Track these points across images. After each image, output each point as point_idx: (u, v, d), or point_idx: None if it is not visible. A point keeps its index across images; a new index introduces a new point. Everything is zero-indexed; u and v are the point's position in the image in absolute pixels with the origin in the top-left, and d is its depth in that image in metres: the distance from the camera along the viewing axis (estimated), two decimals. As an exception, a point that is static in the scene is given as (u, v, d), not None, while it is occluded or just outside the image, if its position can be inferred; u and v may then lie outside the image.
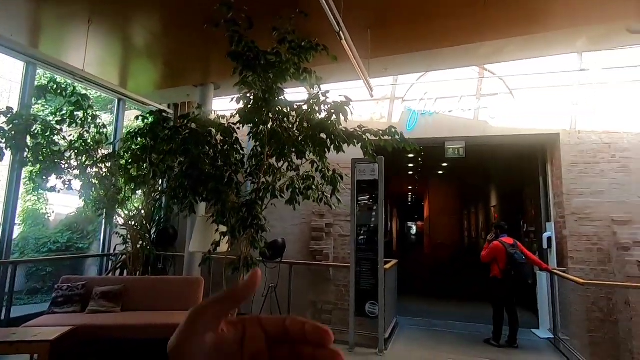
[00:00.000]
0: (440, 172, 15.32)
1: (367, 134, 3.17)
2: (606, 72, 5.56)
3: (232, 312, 0.35)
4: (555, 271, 5.16)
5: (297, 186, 3.88)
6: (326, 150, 3.25)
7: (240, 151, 3.41)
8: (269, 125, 3.30)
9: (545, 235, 5.80)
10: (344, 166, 5.92)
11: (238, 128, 3.36)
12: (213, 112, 5.27)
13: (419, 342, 5.00)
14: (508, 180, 9.24)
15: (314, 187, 3.82)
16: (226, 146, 3.30)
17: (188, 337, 0.33)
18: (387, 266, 5.08)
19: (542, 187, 6.17)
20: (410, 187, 21.27)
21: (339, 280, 6.11)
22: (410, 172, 15.61)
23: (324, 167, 3.54)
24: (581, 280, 4.44)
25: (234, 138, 3.28)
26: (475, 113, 6.04)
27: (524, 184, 7.66)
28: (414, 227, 31.02)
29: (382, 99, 6.50)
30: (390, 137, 3.15)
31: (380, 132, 3.19)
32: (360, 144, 3.19)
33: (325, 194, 3.82)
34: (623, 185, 5.34)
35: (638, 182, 5.29)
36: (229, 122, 3.40)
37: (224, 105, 3.66)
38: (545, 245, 5.78)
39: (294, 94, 3.71)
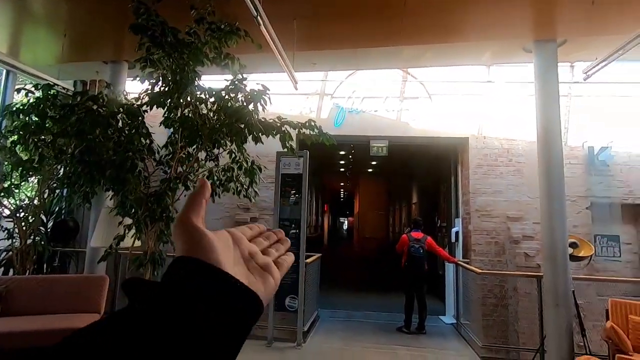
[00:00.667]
0: (370, 170, 16.03)
1: (286, 126, 3.11)
2: (508, 86, 6.25)
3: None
4: (459, 263, 5.68)
5: (216, 178, 3.70)
6: (244, 140, 3.13)
7: (149, 137, 3.12)
8: (182, 111, 3.08)
9: (454, 230, 6.36)
10: (270, 159, 5.84)
11: (145, 111, 3.07)
12: (125, 93, 4.79)
13: (337, 333, 5.14)
14: (427, 180, 9.97)
15: (235, 179, 3.68)
16: (133, 130, 3.00)
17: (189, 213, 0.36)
18: (309, 260, 5.12)
19: (453, 186, 6.75)
20: (342, 184, 21.95)
21: (262, 275, 6.00)
22: (342, 169, 16.08)
23: (243, 158, 3.41)
24: (478, 270, 4.95)
25: (139, 121, 2.98)
26: (398, 114, 6.36)
27: (439, 183, 8.33)
28: (346, 223, 32.17)
29: (312, 94, 6.52)
30: (309, 131, 3.13)
31: (300, 124, 3.16)
32: (279, 135, 3.12)
33: (244, 186, 3.69)
34: (517, 186, 6.07)
35: (529, 184, 6.04)
36: (137, 105, 3.09)
37: (142, 88, 3.34)
38: (453, 239, 6.34)
39: (219, 81, 3.49)
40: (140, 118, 2.98)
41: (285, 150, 3.18)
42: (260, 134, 3.03)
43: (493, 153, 6.17)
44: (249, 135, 3.12)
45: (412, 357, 4.32)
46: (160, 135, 3.64)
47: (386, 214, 18.44)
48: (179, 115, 3.12)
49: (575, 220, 5.94)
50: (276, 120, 3.11)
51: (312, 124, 3.17)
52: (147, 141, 3.11)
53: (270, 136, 3.18)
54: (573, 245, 4.03)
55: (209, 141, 3.21)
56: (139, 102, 3.10)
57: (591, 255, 4.09)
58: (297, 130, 3.14)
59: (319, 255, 5.91)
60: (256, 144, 3.17)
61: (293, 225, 4.76)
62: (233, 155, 3.32)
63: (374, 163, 14.21)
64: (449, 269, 6.28)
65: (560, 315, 3.78)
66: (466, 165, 6.33)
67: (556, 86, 4.25)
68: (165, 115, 3.12)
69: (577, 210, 5.96)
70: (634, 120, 6.07)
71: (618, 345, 3.36)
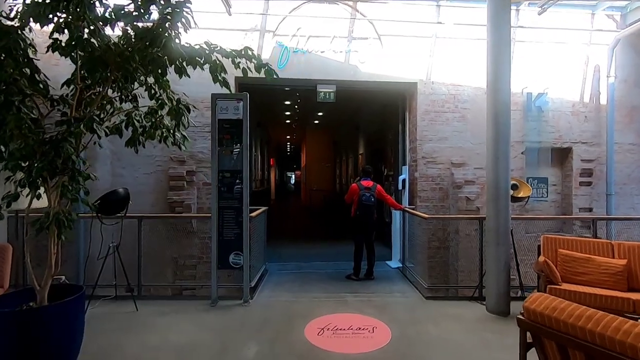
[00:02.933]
0: (316, 122, 15.65)
1: (216, 55, 2.55)
2: (457, 28, 6.04)
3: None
4: (406, 209, 5.73)
5: (137, 122, 3.09)
6: (164, 72, 2.53)
7: (28, 65, 2.38)
8: (77, 32, 2.36)
9: (401, 177, 6.37)
10: (205, 105, 5.17)
11: (21, 30, 2.30)
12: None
13: (286, 286, 5.01)
14: (374, 129, 9.87)
15: (160, 124, 3.10)
16: (2, 55, 2.24)
17: None
18: (254, 214, 4.78)
19: (400, 134, 6.66)
20: (289, 137, 21.38)
21: (204, 232, 5.58)
22: (289, 121, 15.48)
23: (165, 95, 2.82)
24: (425, 215, 5.01)
25: (10, 40, 2.22)
26: (346, 56, 5.91)
27: (387, 132, 8.24)
28: (293, 176, 32.15)
29: (251, 30, 5.76)
30: (245, 61, 2.62)
31: (234, 53, 2.62)
32: (208, 66, 2.56)
33: (170, 131, 3.13)
34: (461, 132, 6.13)
35: (472, 130, 6.13)
36: (7, 18, 2.30)
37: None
38: (400, 187, 6.37)
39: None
40: (12, 37, 2.21)
41: (219, 84, 2.64)
42: (183, 63, 2.45)
43: (440, 99, 6.09)
44: (170, 66, 2.52)
45: (361, 302, 4.34)
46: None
47: (333, 166, 18.50)
48: (74, 37, 2.39)
49: (512, 164, 6.20)
50: (203, 46, 2.52)
51: (250, 52, 2.64)
52: (28, 71, 2.37)
53: (198, 68, 2.61)
54: (513, 186, 4.14)
55: (119, 74, 2.55)
56: (10, 17, 2.31)
57: (529, 196, 4.26)
58: (230, 59, 2.60)
59: (265, 208, 5.59)
60: (180, 76, 2.60)
61: (237, 180, 4.29)
62: (153, 92, 2.70)
63: (320, 114, 13.81)
64: (396, 215, 6.36)
65: (500, 253, 3.95)
66: (414, 112, 6.21)
67: (508, 29, 4.08)
68: (54, 36, 2.38)
69: (514, 155, 6.20)
70: (567, 66, 6.29)
71: (549, 277, 3.60)
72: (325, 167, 18.28)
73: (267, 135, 17.64)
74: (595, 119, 6.35)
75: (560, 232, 6.18)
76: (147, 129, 3.17)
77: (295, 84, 6.15)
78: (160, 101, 2.73)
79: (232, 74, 5.87)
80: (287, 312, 3.99)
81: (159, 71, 2.49)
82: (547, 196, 6.31)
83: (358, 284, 5.14)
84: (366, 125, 11.26)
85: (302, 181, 22.32)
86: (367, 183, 5.33)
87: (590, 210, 6.30)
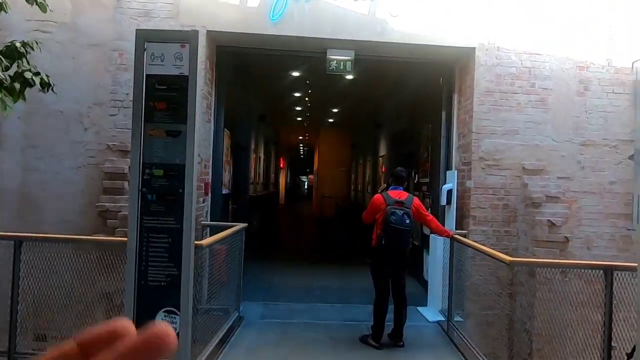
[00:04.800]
0: (331, 120, 13.87)
1: None
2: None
3: None
4: (457, 237, 3.76)
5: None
6: None
7: None
8: None
9: (445, 187, 4.37)
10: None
11: None
12: None
13: (265, 353, 3.12)
14: (401, 123, 7.86)
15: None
16: None
17: None
18: (212, 239, 2.92)
19: (444, 125, 4.70)
20: (301, 138, 19.64)
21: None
22: (300, 118, 13.78)
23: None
24: (508, 258, 3.00)
25: None
26: (370, 6, 4.04)
27: (421, 124, 6.25)
28: (306, 181, 30.57)
29: (234, -36, 3.95)
30: None
31: None
32: None
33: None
34: (539, 124, 4.15)
35: (555, 121, 4.15)
36: None
37: None
38: (443, 201, 4.38)
39: None
40: None
41: None
42: None
43: (509, 73, 4.14)
44: None
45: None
46: None
47: (349, 170, 16.61)
48: None
49: (613, 173, 4.20)
50: None
51: None
52: None
53: None
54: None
55: None
56: None
57: None
58: None
59: (241, 226, 3.72)
60: None
61: (156, 175, 2.43)
62: None
63: (335, 110, 12.09)
64: (435, 242, 4.39)
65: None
66: (468, 92, 4.26)
67: None
68: None
69: (617, 160, 4.20)
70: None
71: None
72: (339, 172, 16.38)
73: (275, 134, 15.94)
74: None
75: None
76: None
77: (297, 46, 4.30)
78: None
79: (202, 25, 4.05)
80: None
81: None
82: (670, 224, 4.23)
83: (378, 355, 3.20)
84: (391, 119, 9.22)
85: (314, 186, 20.47)
86: (399, 194, 3.38)
87: None
